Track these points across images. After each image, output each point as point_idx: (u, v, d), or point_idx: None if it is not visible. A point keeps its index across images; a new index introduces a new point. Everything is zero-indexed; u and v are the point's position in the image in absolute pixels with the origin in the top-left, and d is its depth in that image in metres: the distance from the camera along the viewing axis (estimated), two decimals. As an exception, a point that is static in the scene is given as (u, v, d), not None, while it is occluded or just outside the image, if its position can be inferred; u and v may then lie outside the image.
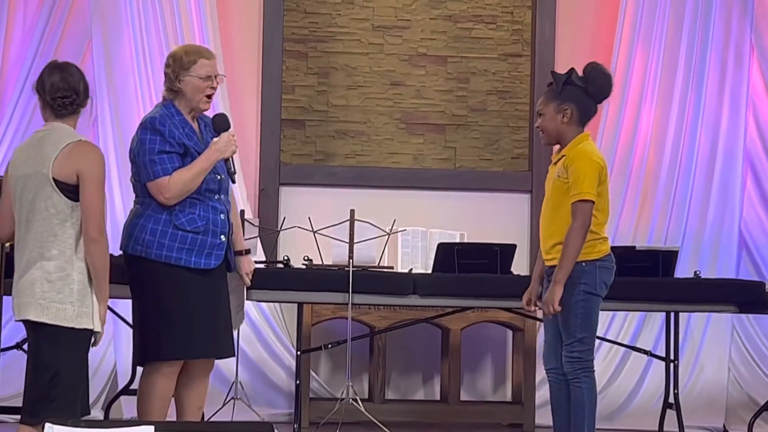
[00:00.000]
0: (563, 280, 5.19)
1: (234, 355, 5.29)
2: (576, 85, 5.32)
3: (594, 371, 5.27)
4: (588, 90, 5.33)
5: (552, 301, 5.20)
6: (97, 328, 4.64)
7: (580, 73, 5.35)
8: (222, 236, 5.13)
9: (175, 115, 5.13)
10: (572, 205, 5.21)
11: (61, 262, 4.58)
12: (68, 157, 4.58)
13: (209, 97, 5.18)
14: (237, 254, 5.31)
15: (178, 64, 5.14)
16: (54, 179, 4.57)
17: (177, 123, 5.11)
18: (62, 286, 4.58)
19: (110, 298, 6.68)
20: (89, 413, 4.71)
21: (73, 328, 4.57)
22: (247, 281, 5.37)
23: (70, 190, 4.58)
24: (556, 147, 5.44)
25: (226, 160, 5.16)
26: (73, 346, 4.60)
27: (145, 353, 5.13)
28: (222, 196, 5.19)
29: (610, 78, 5.39)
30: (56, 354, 4.57)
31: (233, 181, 5.22)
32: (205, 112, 5.28)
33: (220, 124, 5.22)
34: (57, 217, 4.58)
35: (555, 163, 5.38)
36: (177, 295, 5.04)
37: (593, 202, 5.20)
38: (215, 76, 5.17)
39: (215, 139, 5.15)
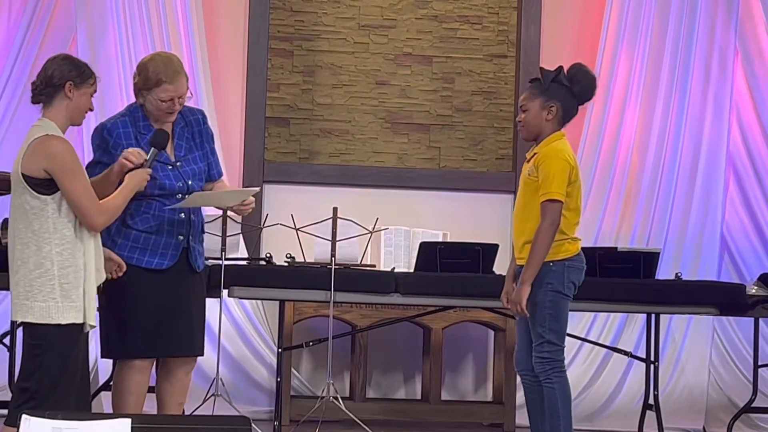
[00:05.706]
0: (530, 280, 5.15)
1: (202, 354, 5.26)
2: (562, 84, 5.28)
3: (565, 370, 5.21)
4: (573, 90, 5.29)
5: (519, 301, 5.16)
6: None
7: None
8: (179, 236, 5.09)
9: (140, 120, 5.11)
10: (541, 205, 5.16)
11: (39, 259, 4.55)
12: (33, 154, 4.56)
13: (171, 113, 5.09)
14: None
15: (142, 81, 5.07)
16: (23, 175, 4.56)
17: (135, 132, 5.05)
18: (42, 284, 4.54)
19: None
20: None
21: (58, 325, 4.54)
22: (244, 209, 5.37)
23: (41, 185, 4.55)
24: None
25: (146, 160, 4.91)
26: (57, 343, 4.55)
27: (101, 349, 5.14)
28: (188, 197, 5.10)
29: (594, 80, 5.37)
30: (38, 353, 4.54)
31: (149, 167, 4.91)
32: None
33: (156, 139, 4.99)
34: (32, 213, 4.56)
35: (528, 161, 5.33)
36: (127, 294, 5.02)
37: (562, 202, 5.16)
38: (178, 98, 5.06)
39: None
